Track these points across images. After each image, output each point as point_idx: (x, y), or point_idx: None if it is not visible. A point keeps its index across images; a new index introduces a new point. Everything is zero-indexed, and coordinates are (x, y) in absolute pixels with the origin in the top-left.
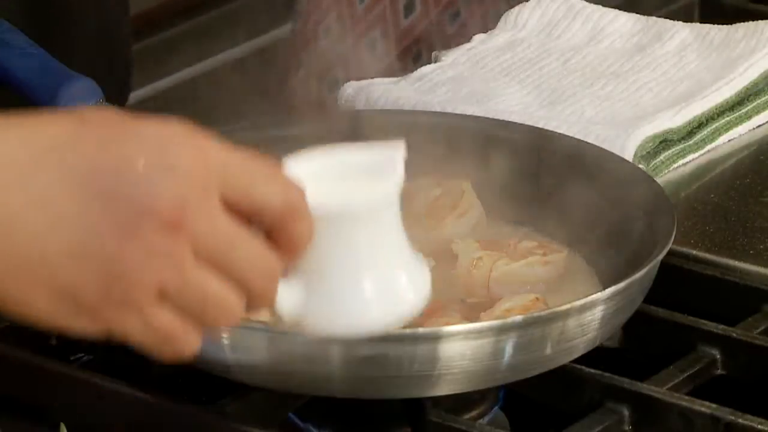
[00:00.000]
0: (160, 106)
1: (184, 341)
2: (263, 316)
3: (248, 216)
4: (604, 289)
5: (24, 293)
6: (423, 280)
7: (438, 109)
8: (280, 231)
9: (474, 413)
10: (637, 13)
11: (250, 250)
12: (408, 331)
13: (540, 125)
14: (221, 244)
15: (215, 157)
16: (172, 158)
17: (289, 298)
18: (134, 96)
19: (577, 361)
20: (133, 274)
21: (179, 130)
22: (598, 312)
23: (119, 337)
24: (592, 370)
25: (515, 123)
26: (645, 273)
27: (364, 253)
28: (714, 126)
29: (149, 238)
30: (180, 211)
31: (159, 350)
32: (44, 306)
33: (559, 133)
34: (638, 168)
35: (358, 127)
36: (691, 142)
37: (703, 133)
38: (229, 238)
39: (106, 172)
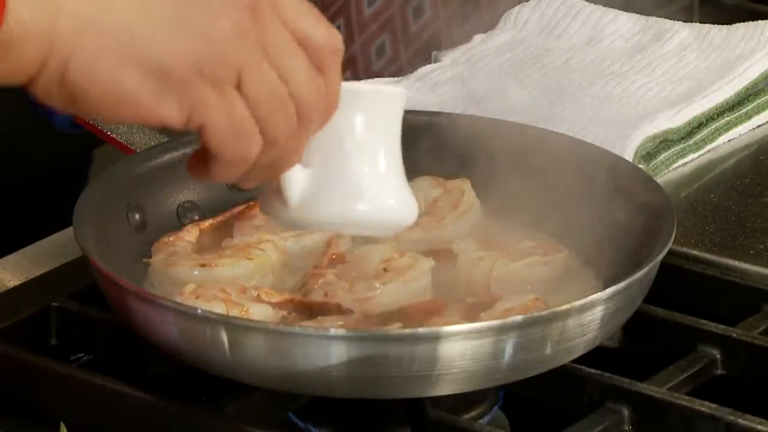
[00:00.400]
0: None
1: (254, 141)
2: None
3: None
4: (604, 289)
5: (113, 71)
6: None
7: (438, 109)
8: (319, 68)
9: (474, 413)
10: (637, 13)
11: (305, 65)
12: (408, 330)
13: (540, 125)
14: (287, 47)
15: None
16: None
17: (297, 181)
18: None
19: (577, 361)
20: (221, 49)
21: None
22: (598, 312)
23: (199, 123)
24: (592, 370)
25: (515, 123)
26: (645, 273)
27: (371, 145)
28: (714, 126)
29: (235, 15)
30: (257, 2)
31: (231, 144)
32: (133, 83)
33: (559, 133)
34: (638, 168)
35: None
36: (691, 142)
37: (703, 133)
38: (292, 46)
39: None
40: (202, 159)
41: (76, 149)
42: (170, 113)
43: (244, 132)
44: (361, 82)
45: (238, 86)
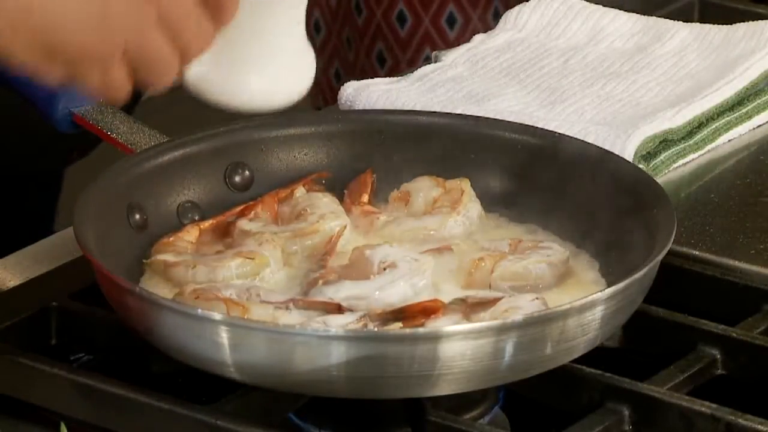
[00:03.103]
0: (160, 104)
1: (124, 92)
2: None
3: None
4: (604, 289)
5: (8, 40)
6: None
7: (438, 109)
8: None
9: (474, 413)
10: (636, 13)
11: (196, 19)
12: (408, 330)
13: (540, 125)
14: (182, 15)
15: None
16: None
17: (197, 67)
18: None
19: (578, 361)
20: (112, 30)
21: None
22: (598, 312)
23: (73, 83)
24: (593, 370)
25: (515, 123)
26: (645, 273)
27: (261, 14)
28: (714, 126)
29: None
30: None
31: (104, 96)
32: (24, 53)
33: (559, 133)
34: (638, 168)
35: (357, 127)
36: (691, 142)
37: (703, 133)
38: (186, 10)
39: None
40: None
41: (75, 149)
42: (54, 76)
43: (117, 88)
44: None
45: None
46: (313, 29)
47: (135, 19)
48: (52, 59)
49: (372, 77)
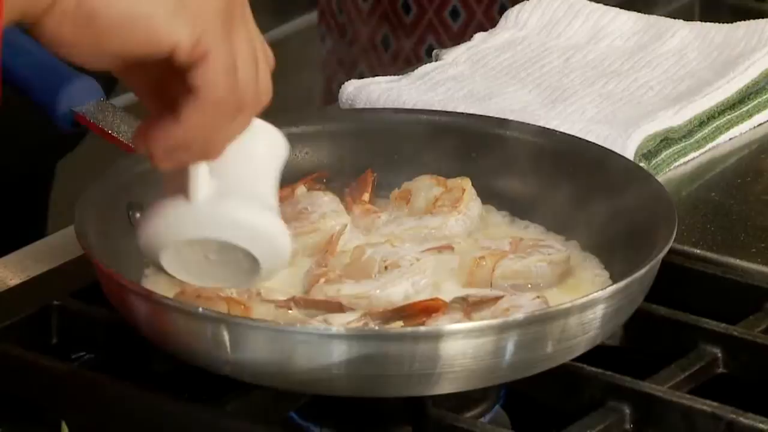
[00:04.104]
0: None
1: (249, 86)
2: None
3: None
4: (605, 287)
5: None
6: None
7: (438, 108)
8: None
9: (475, 412)
10: (637, 11)
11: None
12: (409, 329)
13: (540, 124)
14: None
15: None
16: None
17: (206, 179)
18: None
19: (579, 359)
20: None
21: None
22: (599, 310)
23: (205, 50)
24: (594, 369)
25: (516, 122)
26: (646, 271)
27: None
28: (715, 124)
29: None
30: None
31: (224, 81)
32: (150, 5)
33: (560, 132)
34: (639, 166)
35: (358, 126)
36: (692, 141)
37: (703, 132)
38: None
39: None
40: (156, 123)
41: (73, 149)
42: (181, 37)
43: (241, 69)
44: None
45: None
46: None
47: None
48: (181, 8)
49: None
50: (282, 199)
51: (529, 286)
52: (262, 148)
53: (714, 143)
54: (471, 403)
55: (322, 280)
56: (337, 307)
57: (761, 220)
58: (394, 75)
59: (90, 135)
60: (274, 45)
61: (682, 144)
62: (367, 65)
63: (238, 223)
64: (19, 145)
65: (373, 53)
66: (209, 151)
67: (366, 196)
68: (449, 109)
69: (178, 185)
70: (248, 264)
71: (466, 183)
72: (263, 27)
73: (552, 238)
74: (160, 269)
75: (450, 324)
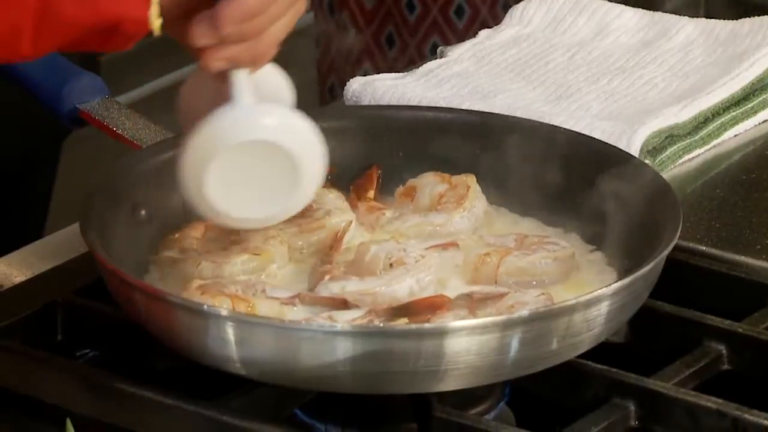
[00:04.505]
0: (166, 101)
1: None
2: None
3: None
4: (609, 284)
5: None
6: None
7: (443, 105)
8: None
9: (480, 409)
10: (642, 8)
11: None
12: (414, 326)
13: (545, 120)
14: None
15: None
16: None
17: (249, 88)
18: (147, 89)
19: (583, 356)
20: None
21: None
22: (603, 307)
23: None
24: (598, 366)
25: (520, 118)
26: (651, 268)
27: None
28: (720, 121)
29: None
30: None
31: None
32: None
33: (565, 129)
34: (644, 163)
35: (363, 123)
36: (697, 138)
37: (709, 129)
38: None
39: None
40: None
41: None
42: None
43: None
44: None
45: None
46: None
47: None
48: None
49: (381, 59)
50: None
51: (534, 282)
52: (281, 82)
53: (719, 140)
54: (476, 400)
55: (327, 277)
56: (342, 304)
57: (766, 216)
58: (399, 72)
59: (94, 132)
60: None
61: (687, 140)
62: (372, 63)
63: (282, 124)
64: (23, 128)
65: (377, 51)
66: (259, 52)
67: (371, 193)
68: (454, 105)
69: (216, 102)
70: (288, 182)
71: (470, 180)
72: None
73: (557, 235)
74: (201, 206)
75: (455, 321)
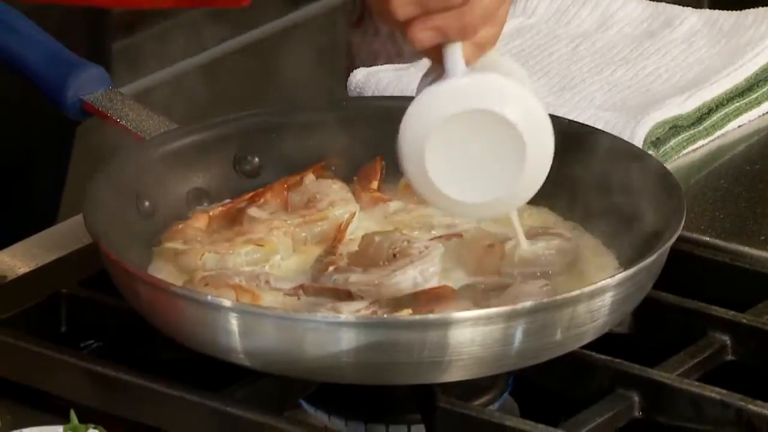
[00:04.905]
0: (170, 91)
1: None
2: None
3: None
4: (613, 275)
5: None
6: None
7: None
8: None
9: (484, 399)
10: None
11: None
12: (418, 317)
13: (549, 111)
14: None
15: None
16: None
17: (461, 62)
18: (152, 79)
19: (587, 347)
20: None
21: None
22: (607, 298)
23: None
24: (602, 356)
25: None
26: (654, 259)
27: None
28: (723, 112)
29: None
30: None
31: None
32: None
33: (569, 119)
34: (648, 154)
35: (367, 114)
36: (700, 128)
37: (712, 119)
38: None
39: None
40: None
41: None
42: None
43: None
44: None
45: None
46: None
47: None
48: None
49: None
50: (290, 187)
51: (538, 273)
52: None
53: (723, 131)
54: (480, 390)
55: (331, 268)
56: (346, 295)
57: None
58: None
59: (100, 124)
60: (288, 31)
61: (691, 131)
62: (385, 55)
63: (504, 91)
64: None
65: (380, 44)
66: (468, 22)
67: (375, 184)
68: None
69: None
70: (512, 167)
71: None
72: (277, 13)
73: (561, 226)
74: (421, 183)
75: (459, 312)
